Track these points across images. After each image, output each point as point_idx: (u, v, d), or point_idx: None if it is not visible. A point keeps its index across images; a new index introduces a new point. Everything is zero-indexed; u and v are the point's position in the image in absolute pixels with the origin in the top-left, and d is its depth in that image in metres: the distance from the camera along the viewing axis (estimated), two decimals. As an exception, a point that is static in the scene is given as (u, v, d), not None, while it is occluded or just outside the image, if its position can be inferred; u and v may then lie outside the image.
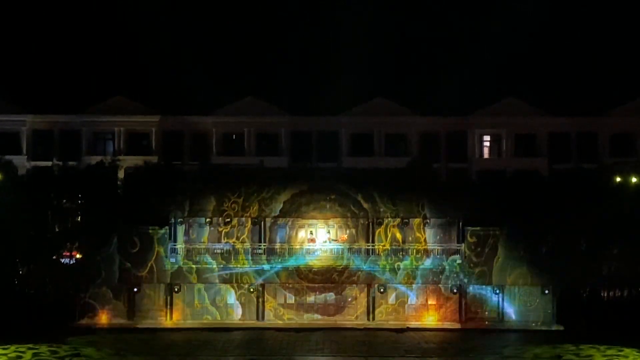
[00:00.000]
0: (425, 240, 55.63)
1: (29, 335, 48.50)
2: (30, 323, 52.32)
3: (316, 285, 55.64)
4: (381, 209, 55.73)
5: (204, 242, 55.85)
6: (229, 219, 55.87)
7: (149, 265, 54.98)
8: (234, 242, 55.71)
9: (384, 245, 55.43)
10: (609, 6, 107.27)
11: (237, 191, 56.16)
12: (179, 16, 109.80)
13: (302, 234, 56.51)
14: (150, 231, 55.29)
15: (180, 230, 55.83)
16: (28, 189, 59.52)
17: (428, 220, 55.75)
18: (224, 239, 55.82)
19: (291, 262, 55.26)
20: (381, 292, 55.41)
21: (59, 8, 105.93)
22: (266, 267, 55.27)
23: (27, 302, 57.13)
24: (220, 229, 55.98)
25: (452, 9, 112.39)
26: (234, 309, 55.82)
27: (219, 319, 55.34)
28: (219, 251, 55.60)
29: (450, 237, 55.70)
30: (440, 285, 55.36)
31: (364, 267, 55.21)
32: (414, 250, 55.34)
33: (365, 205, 55.84)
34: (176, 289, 55.27)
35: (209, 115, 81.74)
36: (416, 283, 55.26)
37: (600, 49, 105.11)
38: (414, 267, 55.14)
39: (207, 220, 55.97)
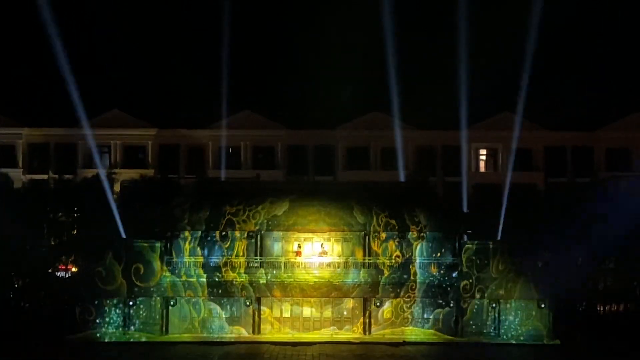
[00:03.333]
0: (421, 253, 55.53)
1: (24, 350, 48.40)
2: (25, 337, 52.15)
3: (312, 298, 55.51)
4: (377, 223, 55.69)
5: (199, 256, 55.69)
6: (224, 233, 55.78)
7: (145, 279, 54.80)
8: (229, 256, 55.57)
9: (380, 259, 55.33)
10: (604, 21, 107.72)
11: (233, 205, 56.09)
12: (176, 29, 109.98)
13: (297, 247, 56.31)
14: (146, 245, 55.15)
15: (176, 243, 55.70)
16: (24, 202, 59.47)
17: (424, 234, 55.70)
18: (220, 252, 55.68)
19: (287, 276, 55.12)
20: (377, 306, 55.32)
21: (56, 22, 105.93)
22: (262, 280, 55.16)
23: (23, 316, 57.06)
24: (216, 242, 55.86)
25: (448, 24, 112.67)
26: (230, 323, 55.65)
27: (215, 333, 55.16)
28: (214, 264, 55.44)
29: (447, 251, 55.63)
30: (436, 298, 55.23)
31: (360, 280, 55.10)
32: (410, 264, 55.25)
33: (361, 219, 55.82)
34: (172, 303, 55.14)
35: (205, 128, 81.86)
36: (412, 296, 55.14)
37: (596, 63, 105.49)
38: (410, 280, 55.05)
39: (203, 233, 55.87)
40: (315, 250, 56.09)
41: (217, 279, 55.15)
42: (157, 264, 55.01)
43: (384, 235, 55.62)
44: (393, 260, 55.19)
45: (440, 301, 55.25)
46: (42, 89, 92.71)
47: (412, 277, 55.09)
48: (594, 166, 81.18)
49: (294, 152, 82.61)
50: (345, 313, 55.99)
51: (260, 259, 55.42)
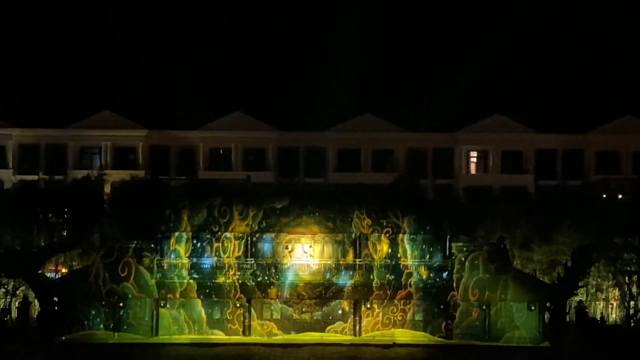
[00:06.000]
0: (411, 255, 55.54)
1: (14, 351, 48.31)
2: (15, 338, 52.02)
3: (303, 300, 55.51)
4: (368, 225, 55.69)
5: (190, 257, 55.59)
6: (215, 234, 55.73)
7: (135, 280, 54.71)
8: (220, 257, 55.52)
9: (370, 261, 55.36)
10: (595, 24, 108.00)
11: (224, 206, 56.03)
12: (167, 31, 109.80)
13: (285, 248, 56.24)
14: (136, 246, 55.03)
15: (167, 245, 55.62)
16: (14, 202, 59.38)
17: (415, 236, 55.72)
18: (210, 254, 55.64)
19: (278, 277, 55.12)
20: (368, 308, 55.34)
21: (46, 22, 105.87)
22: (252, 282, 55.13)
23: (13, 317, 56.98)
24: (206, 244, 55.80)
25: (440, 26, 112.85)
26: (220, 325, 55.59)
27: (206, 334, 55.09)
28: (205, 266, 55.39)
29: (437, 253, 55.63)
30: (426, 300, 55.25)
31: (351, 282, 55.11)
32: (400, 266, 55.28)
33: (352, 221, 55.79)
34: (162, 304, 55.06)
35: (196, 130, 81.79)
36: (402, 298, 55.14)
37: (587, 66, 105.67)
38: (400, 282, 55.06)
39: (194, 235, 55.79)
40: (305, 251, 56.06)
41: (207, 281, 55.09)
42: (147, 265, 54.91)
43: (374, 237, 55.64)
44: (383, 262, 55.22)
45: (431, 303, 55.26)
46: (33, 90, 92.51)
47: (402, 279, 55.10)
48: (585, 169, 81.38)
49: (284, 153, 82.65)
50: (335, 315, 55.91)
51: (251, 261, 55.40)
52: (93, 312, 54.43)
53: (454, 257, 55.13)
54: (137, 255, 54.78)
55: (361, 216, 55.83)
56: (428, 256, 55.79)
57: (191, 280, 55.05)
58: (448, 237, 55.62)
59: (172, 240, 55.73)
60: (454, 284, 54.96)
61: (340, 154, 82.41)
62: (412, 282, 55.09)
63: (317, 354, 49.39)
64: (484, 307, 54.84)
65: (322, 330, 55.68)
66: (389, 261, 55.39)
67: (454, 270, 54.98)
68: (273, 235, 56.07)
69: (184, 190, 59.10)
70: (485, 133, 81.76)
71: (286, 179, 78.16)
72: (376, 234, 55.68)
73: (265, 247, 56.26)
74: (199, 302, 55.45)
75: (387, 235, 55.62)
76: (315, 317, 55.96)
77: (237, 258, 55.49)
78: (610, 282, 60.09)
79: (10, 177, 77.47)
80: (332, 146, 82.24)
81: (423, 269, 55.39)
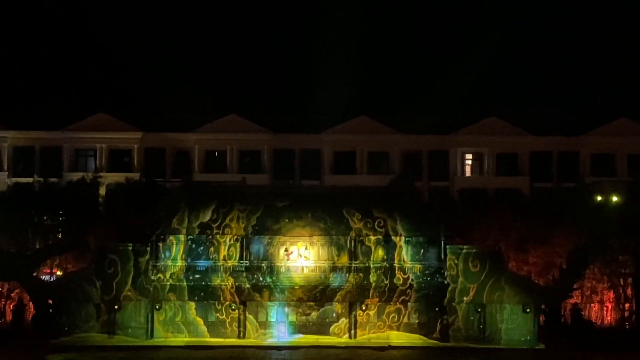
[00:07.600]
0: (407, 258, 55.54)
1: (8, 354, 48.20)
2: (10, 341, 51.91)
3: (298, 302, 55.51)
4: (363, 227, 55.69)
5: (185, 260, 55.56)
6: (210, 236, 55.67)
7: (130, 282, 54.67)
8: (214, 260, 55.47)
9: (365, 263, 55.35)
10: (590, 27, 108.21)
11: (219, 208, 56.01)
12: (162, 33, 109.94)
13: (284, 251, 56.29)
14: (130, 248, 54.98)
15: (161, 247, 55.55)
16: (9, 205, 59.31)
17: (410, 238, 55.71)
18: (205, 256, 55.58)
19: (273, 280, 55.11)
20: (363, 310, 55.34)
21: (41, 24, 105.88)
22: (247, 284, 55.11)
23: (7, 320, 56.87)
24: (201, 246, 55.76)
25: (435, 29, 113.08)
26: (215, 327, 55.56)
27: (200, 336, 55.05)
28: (200, 268, 55.35)
29: (432, 256, 55.62)
30: (421, 303, 55.25)
31: (346, 284, 55.12)
32: (396, 268, 55.27)
33: (348, 223, 55.78)
34: (157, 307, 55.00)
35: (191, 132, 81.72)
36: (398, 301, 55.15)
37: (581, 69, 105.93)
38: (395, 284, 55.07)
39: (189, 237, 55.75)
40: (301, 253, 56.09)
41: (202, 283, 55.06)
42: (142, 268, 54.85)
43: (369, 239, 55.63)
44: (379, 264, 55.21)
45: (426, 306, 55.25)
46: (28, 92, 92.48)
47: (397, 282, 55.10)
48: (580, 171, 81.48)
49: (280, 156, 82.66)
50: (330, 317, 55.91)
51: (245, 263, 55.36)
52: (88, 315, 54.32)
53: (449, 259, 55.10)
54: (131, 258, 54.67)
55: (356, 218, 55.82)
56: (423, 258, 55.76)
57: (185, 283, 54.99)
58: (443, 239, 55.63)
59: (167, 243, 55.68)
60: (449, 287, 54.95)
61: (336, 156, 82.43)
62: (407, 285, 55.08)
63: (313, 357, 49.35)
64: (479, 310, 54.84)
65: (318, 332, 55.68)
66: (384, 263, 55.38)
67: (449, 273, 54.97)
68: (268, 237, 56.04)
69: (179, 193, 59.07)
70: (481, 135, 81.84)
71: (281, 181, 78.20)
72: (372, 237, 55.66)
73: (261, 249, 56.22)
74: (193, 304, 55.40)
75: (383, 237, 55.61)
76: (310, 320, 55.93)
77: (232, 260, 55.43)
78: (605, 285, 60.14)
79: (4, 180, 77.36)
80: (327, 148, 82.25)
81: (418, 271, 55.38)
